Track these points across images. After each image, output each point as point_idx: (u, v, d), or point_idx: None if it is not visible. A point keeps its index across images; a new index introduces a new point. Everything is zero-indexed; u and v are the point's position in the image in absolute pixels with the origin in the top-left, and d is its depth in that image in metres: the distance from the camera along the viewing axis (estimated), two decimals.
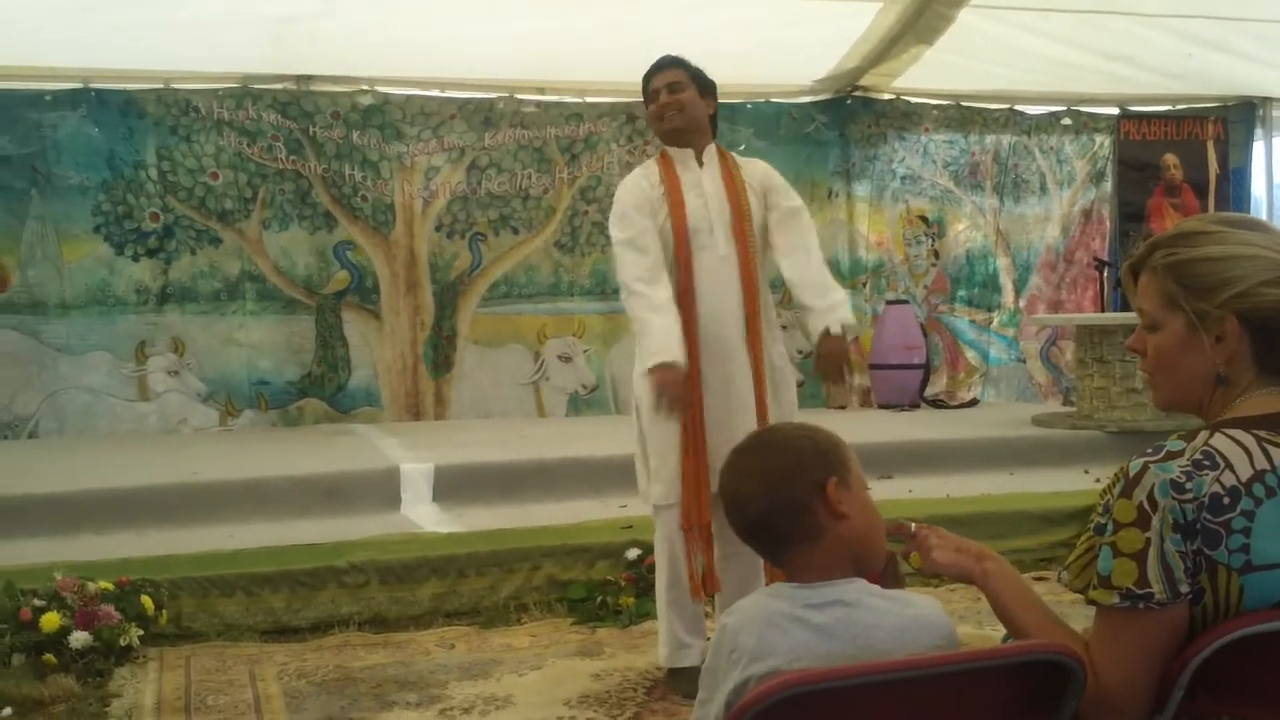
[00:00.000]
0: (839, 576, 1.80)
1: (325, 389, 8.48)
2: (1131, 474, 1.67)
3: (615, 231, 4.00)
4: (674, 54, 4.12)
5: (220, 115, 8.25)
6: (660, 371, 3.65)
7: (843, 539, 1.82)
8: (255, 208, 8.33)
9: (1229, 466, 1.65)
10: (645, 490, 4.05)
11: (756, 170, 4.14)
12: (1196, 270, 1.74)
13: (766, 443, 1.92)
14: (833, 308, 3.89)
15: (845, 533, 1.81)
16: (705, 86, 4.09)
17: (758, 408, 3.94)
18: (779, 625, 1.74)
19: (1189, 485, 1.64)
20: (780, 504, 1.82)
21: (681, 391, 3.70)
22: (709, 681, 1.80)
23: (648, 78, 4.08)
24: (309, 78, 8.42)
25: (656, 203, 3.95)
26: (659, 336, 3.71)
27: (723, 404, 3.90)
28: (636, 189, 4.00)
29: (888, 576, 1.92)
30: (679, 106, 4.00)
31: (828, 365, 3.87)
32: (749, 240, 3.96)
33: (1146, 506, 1.65)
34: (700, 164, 4.04)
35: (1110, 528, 1.68)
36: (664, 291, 3.81)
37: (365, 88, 8.55)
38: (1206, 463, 1.66)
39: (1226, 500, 1.63)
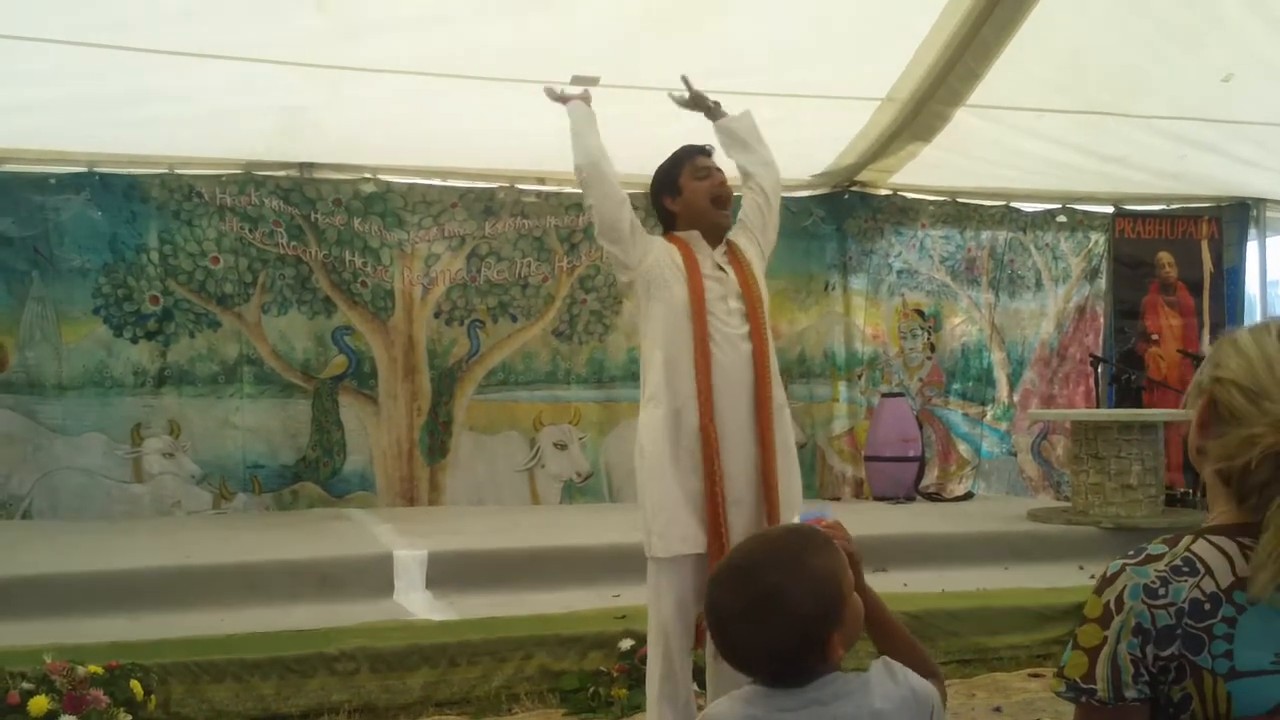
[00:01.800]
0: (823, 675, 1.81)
1: (320, 474, 8.47)
2: (1108, 574, 1.70)
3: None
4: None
5: (223, 200, 8.34)
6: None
7: (829, 658, 1.84)
8: (255, 292, 8.38)
9: (1209, 573, 1.66)
10: (646, 541, 3.94)
11: (741, 236, 4.10)
12: None
13: (757, 564, 1.86)
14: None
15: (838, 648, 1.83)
16: None
17: (765, 491, 3.85)
18: None
19: (1163, 591, 1.65)
20: (790, 640, 1.81)
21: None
22: None
23: (690, 156, 4.02)
24: (312, 165, 8.53)
25: (668, 269, 3.86)
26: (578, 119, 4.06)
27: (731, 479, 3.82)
28: (652, 238, 3.98)
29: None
30: (731, 195, 3.98)
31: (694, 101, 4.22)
32: (762, 324, 3.90)
33: (1112, 607, 1.67)
34: (712, 247, 3.98)
35: (1079, 622, 1.71)
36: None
37: (368, 175, 8.65)
38: (1185, 569, 1.66)
39: (1207, 606, 1.64)
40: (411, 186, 8.75)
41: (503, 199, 8.92)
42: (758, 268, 4.01)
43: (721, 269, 3.92)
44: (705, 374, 3.79)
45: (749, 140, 4.26)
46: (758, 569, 1.83)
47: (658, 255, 3.89)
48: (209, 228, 8.33)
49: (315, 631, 5.10)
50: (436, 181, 8.83)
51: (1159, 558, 1.68)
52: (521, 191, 8.96)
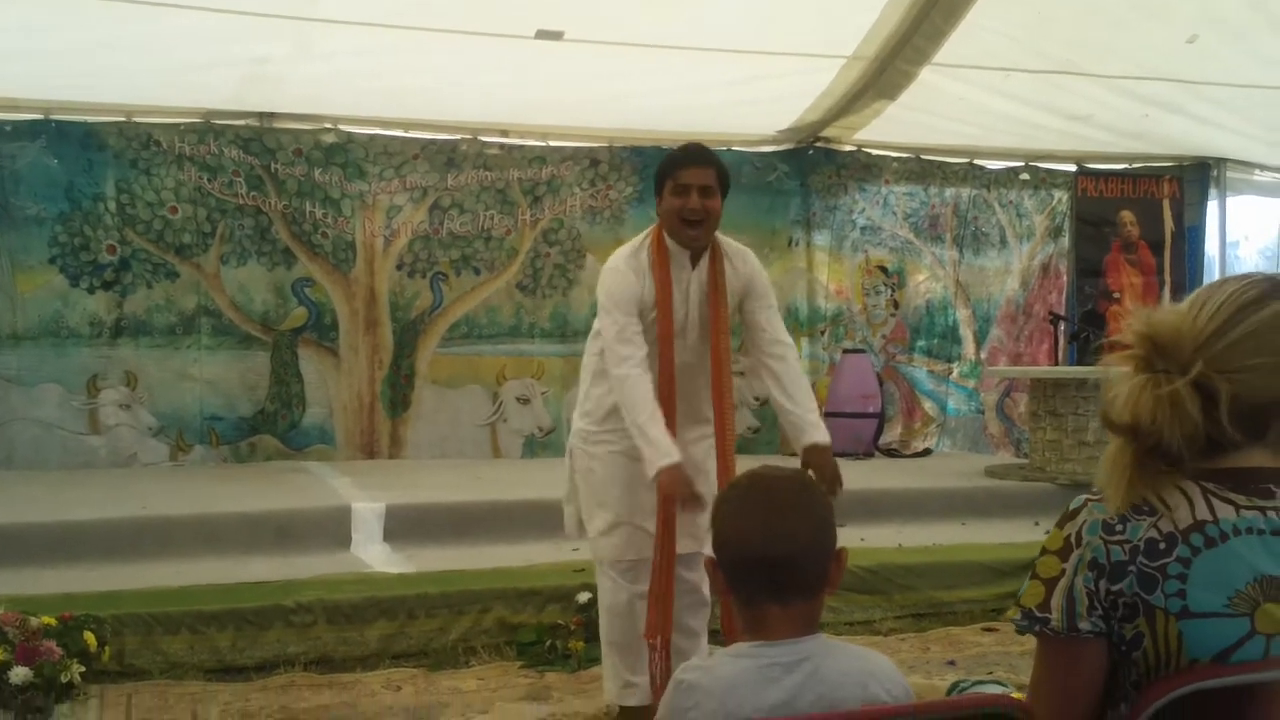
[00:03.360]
0: (808, 633, 1.82)
1: (278, 426, 8.42)
2: (1071, 508, 1.74)
3: (606, 318, 3.83)
4: (702, 145, 3.95)
5: (181, 150, 8.22)
6: (667, 474, 3.60)
7: (825, 598, 1.86)
8: (214, 243, 8.30)
9: (1168, 513, 1.68)
10: (573, 530, 4.16)
11: (742, 272, 3.99)
12: None
13: (805, 486, 1.92)
14: (819, 421, 3.96)
15: (828, 592, 1.85)
16: (726, 187, 3.89)
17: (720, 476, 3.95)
18: (744, 688, 1.75)
19: (1120, 528, 1.68)
20: (816, 549, 1.84)
21: (691, 490, 3.64)
22: None
23: (675, 167, 3.82)
24: (272, 115, 8.41)
25: (644, 301, 3.83)
26: (659, 438, 3.64)
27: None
28: (625, 282, 3.83)
29: None
30: (707, 217, 3.81)
31: (831, 474, 3.84)
32: (721, 342, 3.94)
33: (1072, 540, 1.71)
34: (693, 265, 3.91)
35: (1039, 553, 1.75)
36: (648, 379, 3.76)
37: (328, 126, 8.55)
38: (1145, 508, 1.69)
39: (1163, 546, 1.66)
40: (373, 137, 8.66)
41: (465, 151, 8.84)
42: (732, 301, 3.97)
43: (689, 290, 3.92)
44: (670, 401, 3.83)
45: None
46: (785, 468, 1.95)
47: (639, 302, 3.84)
48: (167, 177, 8.22)
49: (272, 584, 5.10)
50: (398, 133, 8.73)
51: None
52: (484, 144, 8.89)
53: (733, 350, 4.04)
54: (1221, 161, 10.26)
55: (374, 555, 5.79)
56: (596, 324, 3.95)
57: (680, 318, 3.89)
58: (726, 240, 3.99)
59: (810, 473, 3.76)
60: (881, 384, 9.42)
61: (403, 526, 6.03)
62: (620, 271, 3.87)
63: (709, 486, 3.82)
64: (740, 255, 4.01)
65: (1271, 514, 1.67)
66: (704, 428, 3.98)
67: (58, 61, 7.22)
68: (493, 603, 5.06)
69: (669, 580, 3.78)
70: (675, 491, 3.60)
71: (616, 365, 3.75)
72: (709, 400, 3.96)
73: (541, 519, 6.24)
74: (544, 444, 8.95)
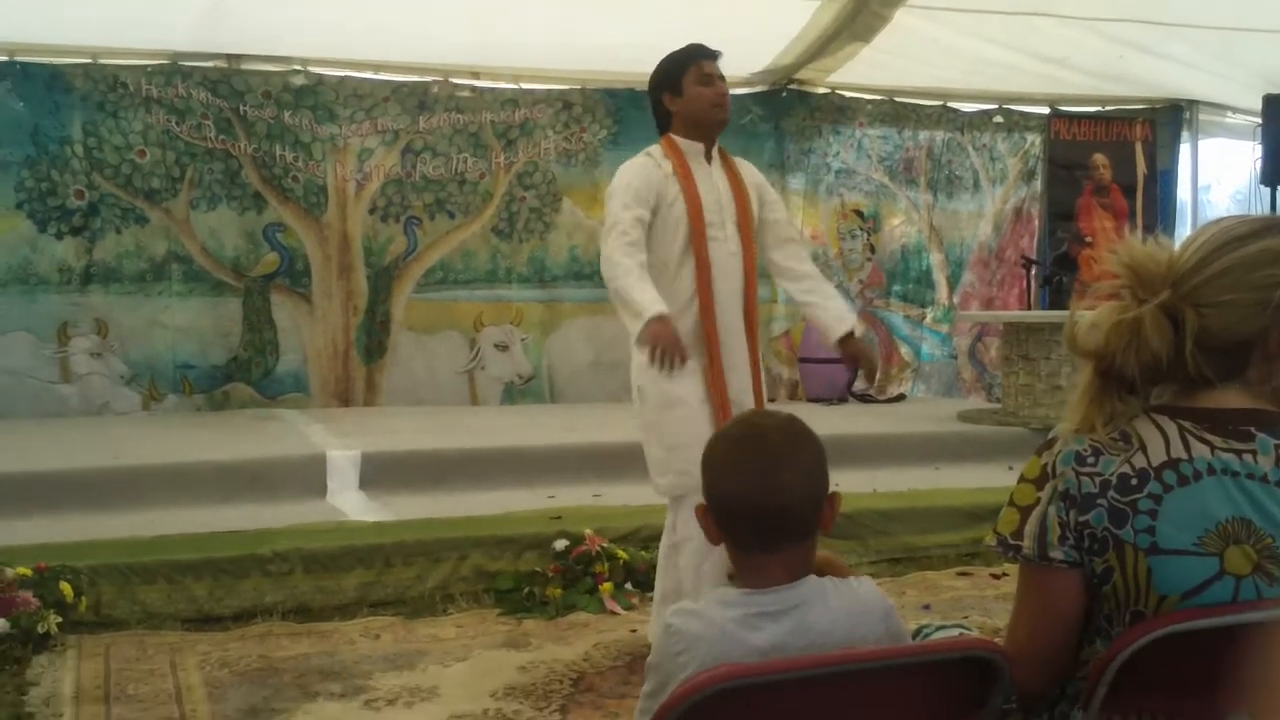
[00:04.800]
0: (800, 576, 1.83)
1: (252, 374, 8.37)
2: (1050, 438, 1.77)
3: (617, 206, 3.85)
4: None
5: (149, 92, 8.10)
6: (655, 324, 3.60)
7: (816, 543, 1.87)
8: (183, 187, 8.20)
9: (1143, 449, 1.69)
10: (656, 482, 4.00)
11: (752, 173, 4.16)
12: None
13: (798, 434, 1.90)
14: (846, 314, 4.06)
15: (822, 534, 1.87)
16: None
17: (755, 398, 4.03)
18: (732, 639, 1.76)
19: (1092, 460, 1.70)
20: (810, 498, 1.84)
21: (678, 341, 3.63)
22: (656, 676, 1.81)
23: (694, 59, 3.97)
24: (240, 56, 8.29)
25: (667, 190, 3.89)
26: (641, 294, 3.66)
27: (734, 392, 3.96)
28: (644, 172, 3.91)
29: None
30: (729, 103, 3.99)
31: (870, 363, 4.05)
32: (752, 237, 4.02)
33: (1048, 470, 1.74)
34: (708, 160, 4.01)
35: (1018, 480, 1.78)
36: (640, 261, 3.77)
37: (298, 68, 8.43)
38: (1121, 442, 1.71)
39: (1134, 481, 1.68)
40: (343, 79, 8.54)
41: (437, 93, 8.75)
42: (751, 194, 4.06)
43: (715, 182, 3.97)
44: (707, 282, 3.88)
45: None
46: (776, 413, 1.97)
47: (659, 193, 3.88)
48: (135, 120, 8.10)
49: (248, 532, 5.09)
50: (369, 75, 8.62)
51: (1094, 430, 1.73)
52: (456, 86, 8.79)
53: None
54: (1194, 104, 10.25)
55: (350, 503, 5.79)
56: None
57: (714, 212, 3.92)
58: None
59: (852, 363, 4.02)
60: None
61: (379, 474, 6.03)
62: (637, 163, 3.95)
63: (742, 394, 3.94)
64: (743, 163, 4.16)
65: (1247, 456, 1.68)
66: (737, 342, 3.98)
67: (22, 1, 7.08)
68: (470, 550, 5.07)
69: None
70: (661, 343, 3.59)
71: (614, 250, 3.76)
72: (744, 314, 3.99)
73: (519, 466, 6.29)
74: (523, 391, 8.93)
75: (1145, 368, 1.69)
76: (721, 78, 3.97)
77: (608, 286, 3.81)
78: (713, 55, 3.98)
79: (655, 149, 4.01)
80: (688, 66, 3.95)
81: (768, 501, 1.81)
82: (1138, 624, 1.67)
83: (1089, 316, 1.74)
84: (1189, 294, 1.68)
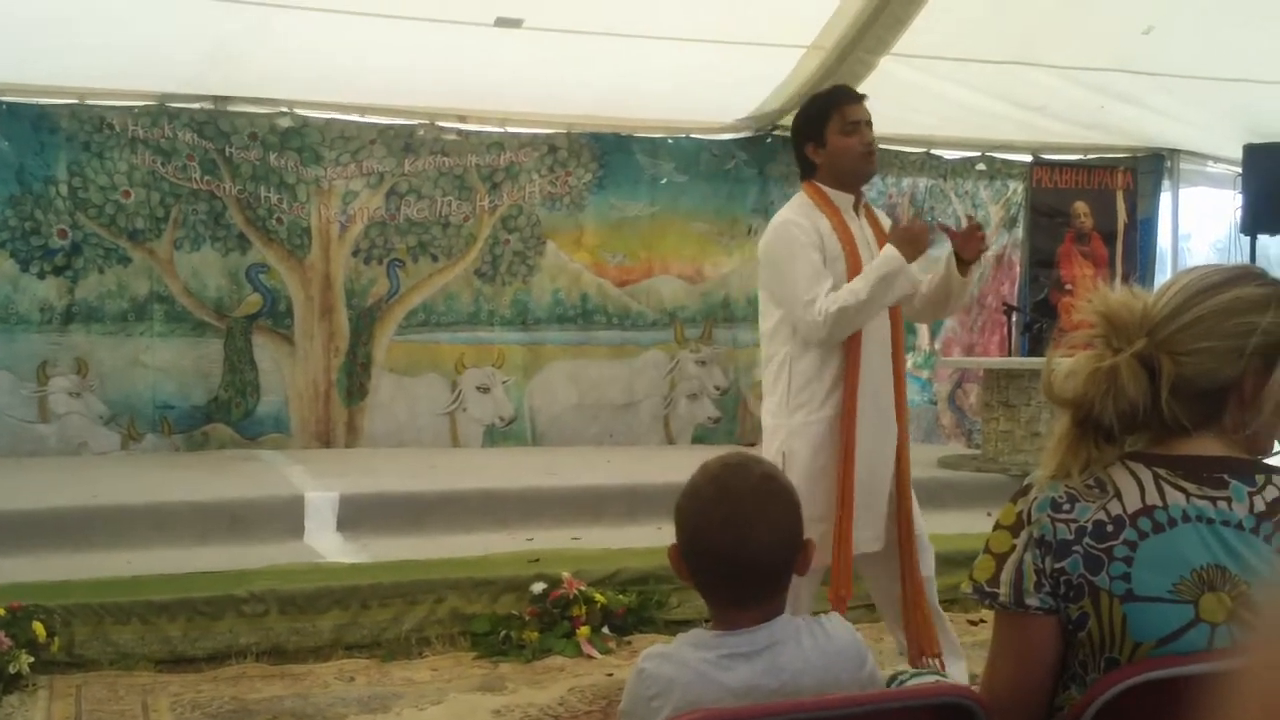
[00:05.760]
0: (772, 617, 1.83)
1: (232, 414, 8.34)
2: (1025, 484, 1.78)
3: (803, 279, 3.63)
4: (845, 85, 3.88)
5: (135, 133, 8.12)
6: (894, 253, 3.56)
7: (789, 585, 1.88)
8: (167, 227, 8.20)
9: (1118, 496, 1.70)
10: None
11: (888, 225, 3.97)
12: None
13: (770, 491, 1.89)
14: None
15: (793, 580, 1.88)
16: None
17: (898, 471, 3.83)
18: (705, 680, 1.76)
19: (1068, 507, 1.70)
20: (783, 553, 1.85)
21: (920, 228, 3.59)
22: None
23: (836, 106, 3.75)
24: (227, 98, 8.32)
25: (829, 245, 3.68)
26: (862, 281, 3.57)
27: (868, 464, 3.72)
28: (803, 232, 3.67)
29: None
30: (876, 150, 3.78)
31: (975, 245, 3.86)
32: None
33: (1024, 517, 1.74)
34: (856, 213, 3.82)
35: (994, 527, 1.78)
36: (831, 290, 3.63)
37: (284, 110, 8.46)
38: (1096, 489, 1.71)
39: (1110, 528, 1.68)
40: (329, 122, 8.58)
41: (423, 136, 8.78)
42: None
43: (866, 236, 3.80)
44: (857, 343, 3.68)
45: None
46: (751, 460, 1.93)
47: (824, 245, 3.69)
48: (120, 160, 8.11)
49: (224, 573, 5.06)
50: (355, 117, 8.65)
51: (1070, 477, 1.73)
52: (442, 129, 8.82)
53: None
54: (1175, 153, 10.33)
55: (327, 545, 5.75)
56: (767, 323, 3.81)
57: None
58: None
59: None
60: None
61: (357, 516, 6.00)
62: (793, 221, 3.71)
63: (884, 479, 3.75)
64: (878, 210, 4.00)
65: (1222, 504, 1.69)
66: (883, 407, 3.78)
67: (9, 41, 7.11)
68: (447, 593, 5.04)
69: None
70: (915, 244, 3.55)
71: (822, 306, 3.58)
72: (890, 376, 3.81)
73: (497, 508, 6.26)
74: (505, 433, 8.90)
75: (1122, 415, 1.70)
76: (868, 123, 3.74)
77: (853, 325, 3.64)
78: (857, 99, 3.77)
79: (803, 201, 3.80)
80: (829, 115, 3.73)
81: (740, 562, 1.82)
82: (1112, 671, 1.67)
83: (1066, 364, 1.75)
84: (1164, 342, 1.69)
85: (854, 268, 3.66)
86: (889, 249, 3.57)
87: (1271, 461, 1.77)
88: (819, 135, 3.75)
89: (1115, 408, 1.70)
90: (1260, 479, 1.72)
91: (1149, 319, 1.72)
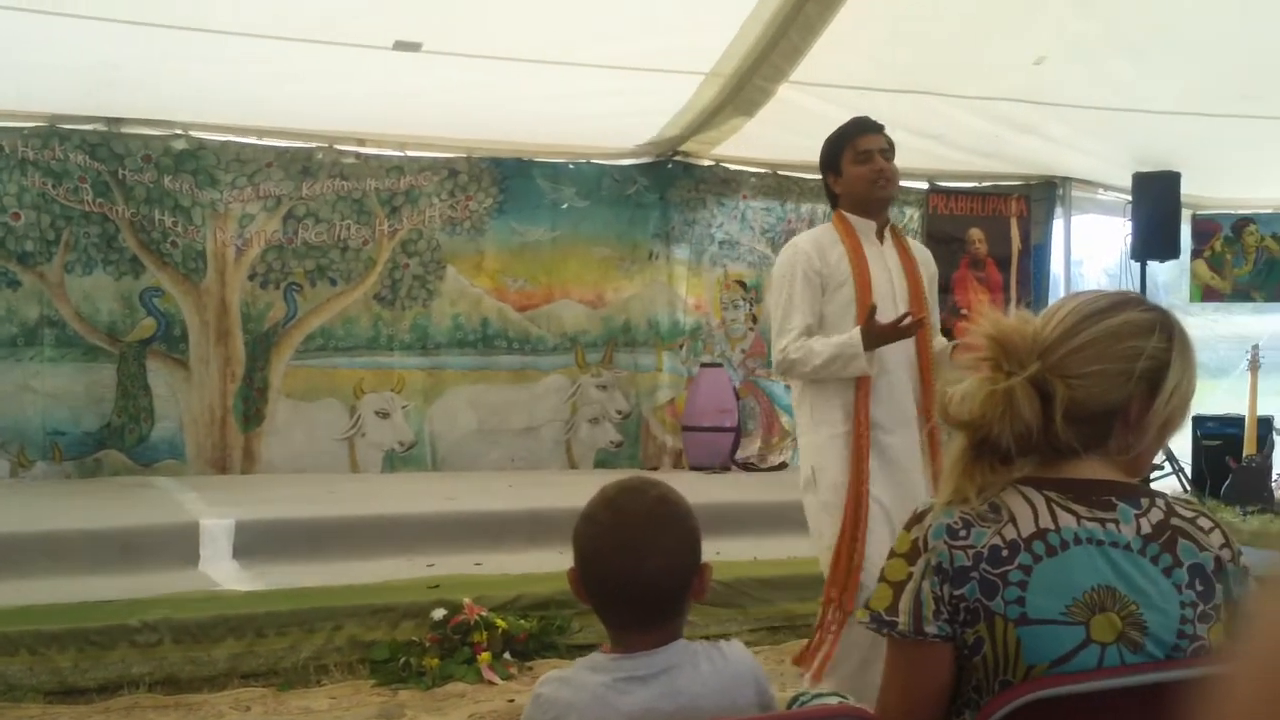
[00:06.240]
0: (669, 641, 1.83)
1: (126, 441, 8.18)
2: (918, 511, 1.78)
3: (786, 310, 3.78)
4: (865, 116, 3.98)
5: (25, 154, 7.96)
6: (867, 336, 3.58)
7: (689, 609, 1.88)
8: (58, 250, 8.03)
9: (1013, 521, 1.72)
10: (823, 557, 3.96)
11: (927, 259, 4.04)
12: None
13: (664, 516, 1.89)
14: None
15: (695, 602, 1.88)
16: (893, 153, 3.96)
17: (932, 479, 3.82)
18: (602, 704, 1.76)
19: (964, 533, 1.72)
20: (678, 578, 1.85)
21: (893, 323, 3.58)
22: None
23: (849, 138, 3.90)
24: (120, 120, 8.19)
25: (831, 275, 3.78)
26: (829, 345, 3.65)
27: (888, 483, 3.77)
28: (804, 261, 3.79)
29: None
30: (894, 177, 3.89)
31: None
32: (929, 321, 3.86)
33: (919, 544, 1.75)
34: (880, 239, 3.89)
35: (889, 555, 1.79)
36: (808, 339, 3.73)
37: (179, 131, 8.34)
38: (991, 515, 1.73)
39: (1005, 553, 1.70)
40: (225, 144, 8.47)
41: (321, 159, 8.71)
42: (923, 273, 3.95)
43: (886, 262, 3.85)
44: (867, 386, 3.73)
45: None
46: (647, 485, 1.92)
47: (829, 270, 3.79)
48: (10, 182, 7.94)
49: (117, 602, 4.96)
50: (252, 140, 8.56)
51: (967, 501, 1.74)
52: (340, 152, 8.76)
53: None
54: (1067, 180, 10.56)
55: (223, 572, 5.66)
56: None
57: (885, 293, 3.77)
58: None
59: None
60: (739, 398, 9.51)
61: (253, 543, 5.91)
62: (798, 247, 3.86)
63: (913, 487, 3.75)
64: (916, 243, 4.07)
65: (1110, 525, 1.72)
66: (907, 426, 3.81)
67: None
68: (345, 620, 4.98)
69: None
70: (890, 335, 3.57)
71: (790, 351, 3.71)
72: (912, 391, 3.84)
73: (397, 535, 6.20)
74: (405, 458, 8.83)
75: (1018, 438, 1.73)
76: (883, 150, 3.87)
77: (804, 379, 3.78)
78: (874, 129, 3.92)
79: (826, 227, 3.93)
80: (844, 146, 3.89)
81: (635, 586, 1.83)
82: (1007, 690, 1.69)
83: (959, 388, 1.77)
84: (1056, 365, 1.73)
85: (863, 292, 3.75)
86: (855, 334, 3.64)
87: (1153, 484, 1.82)
88: (836, 166, 3.92)
89: (1012, 430, 1.72)
90: (1145, 501, 1.76)
91: (1040, 343, 1.75)
